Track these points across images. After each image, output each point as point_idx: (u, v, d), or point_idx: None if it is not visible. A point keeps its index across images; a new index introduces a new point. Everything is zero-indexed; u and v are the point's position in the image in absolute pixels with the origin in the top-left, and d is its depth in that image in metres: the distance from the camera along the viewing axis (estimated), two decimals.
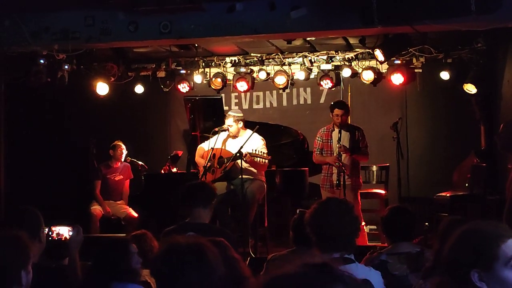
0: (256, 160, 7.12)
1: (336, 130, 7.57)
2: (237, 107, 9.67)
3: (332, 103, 7.85)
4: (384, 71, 9.27)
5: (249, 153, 7.07)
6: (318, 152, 7.74)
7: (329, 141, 7.66)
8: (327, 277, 1.46)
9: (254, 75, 9.65)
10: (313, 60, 9.51)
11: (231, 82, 9.67)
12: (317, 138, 7.78)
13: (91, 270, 3.52)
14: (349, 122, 7.96)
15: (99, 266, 3.46)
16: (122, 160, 8.76)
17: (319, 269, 1.47)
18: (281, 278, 1.48)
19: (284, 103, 10.09)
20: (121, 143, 8.74)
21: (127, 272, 3.42)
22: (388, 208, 4.53)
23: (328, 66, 9.34)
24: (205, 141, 7.84)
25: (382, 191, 8.57)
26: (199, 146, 7.88)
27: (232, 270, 2.92)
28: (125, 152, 8.75)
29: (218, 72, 9.69)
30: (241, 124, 7.54)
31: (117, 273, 3.38)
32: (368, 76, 9.14)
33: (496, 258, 2.11)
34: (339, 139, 7.49)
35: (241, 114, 7.66)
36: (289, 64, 9.62)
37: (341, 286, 1.46)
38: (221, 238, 3.26)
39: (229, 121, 7.52)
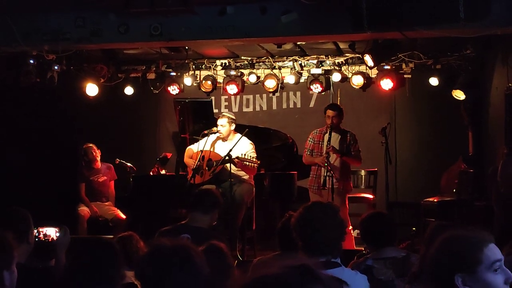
0: (245, 164, 7.15)
1: (328, 132, 7.61)
2: (227, 110, 9.69)
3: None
4: (373, 76, 9.32)
5: (238, 158, 7.09)
6: (308, 153, 7.76)
7: (320, 143, 7.69)
8: (306, 277, 1.48)
9: (244, 78, 9.67)
10: (303, 64, 9.53)
11: (221, 85, 9.68)
12: (309, 138, 7.81)
13: (71, 271, 3.38)
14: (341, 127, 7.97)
15: (81, 267, 3.34)
16: (98, 159, 8.62)
17: (299, 270, 1.49)
18: (262, 279, 1.49)
19: (274, 106, 10.09)
20: (90, 145, 8.59)
21: (111, 274, 3.36)
22: (364, 217, 4.45)
23: (318, 71, 9.36)
24: (194, 143, 7.85)
25: (370, 196, 8.60)
26: (188, 148, 7.89)
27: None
28: (98, 151, 8.59)
29: (208, 75, 9.70)
30: (233, 126, 7.56)
31: (100, 274, 3.30)
32: (357, 81, 9.18)
33: (479, 262, 2.16)
34: (329, 140, 7.52)
35: (234, 118, 7.69)
36: (279, 68, 9.64)
37: (320, 286, 1.48)
38: (222, 244, 3.26)
39: (222, 121, 7.53)
